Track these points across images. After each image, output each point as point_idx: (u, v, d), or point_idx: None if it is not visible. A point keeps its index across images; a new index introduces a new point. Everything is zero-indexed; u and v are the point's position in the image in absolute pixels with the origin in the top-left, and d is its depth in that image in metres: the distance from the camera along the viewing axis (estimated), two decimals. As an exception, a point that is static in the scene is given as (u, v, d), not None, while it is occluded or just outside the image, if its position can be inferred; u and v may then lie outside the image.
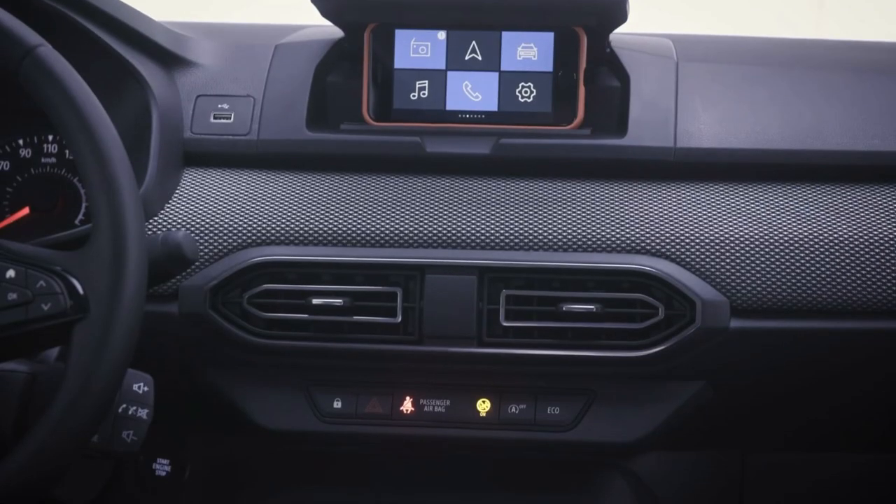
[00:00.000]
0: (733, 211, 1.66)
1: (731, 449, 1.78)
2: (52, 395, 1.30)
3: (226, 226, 1.69)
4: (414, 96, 1.75)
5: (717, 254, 1.64)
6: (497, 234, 1.66)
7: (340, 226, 1.68)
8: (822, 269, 1.63)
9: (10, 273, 1.32)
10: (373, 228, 1.68)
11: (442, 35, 1.73)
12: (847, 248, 1.63)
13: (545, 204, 1.68)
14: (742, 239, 1.64)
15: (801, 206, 1.67)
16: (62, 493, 1.64)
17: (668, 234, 1.65)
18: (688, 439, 1.73)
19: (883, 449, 1.77)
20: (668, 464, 1.76)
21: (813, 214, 1.66)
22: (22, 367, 1.42)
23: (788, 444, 1.77)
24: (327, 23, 1.76)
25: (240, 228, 1.69)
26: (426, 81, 1.74)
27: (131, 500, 1.81)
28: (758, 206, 1.67)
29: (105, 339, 1.29)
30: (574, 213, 1.67)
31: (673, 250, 1.64)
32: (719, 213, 1.66)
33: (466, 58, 1.73)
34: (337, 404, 1.69)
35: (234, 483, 1.80)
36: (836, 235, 1.64)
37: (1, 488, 1.25)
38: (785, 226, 1.65)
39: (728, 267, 1.63)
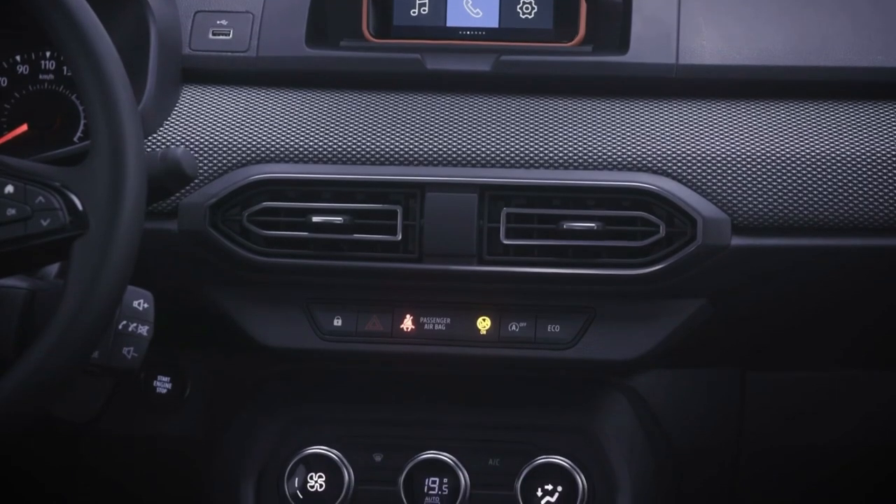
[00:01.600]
0: (735, 128, 1.66)
1: (731, 367, 1.78)
2: (51, 311, 1.30)
3: (225, 143, 1.69)
4: (414, 13, 1.73)
5: (719, 171, 1.63)
6: (498, 152, 1.66)
7: (340, 143, 1.67)
8: (825, 186, 1.62)
9: (9, 188, 1.31)
10: (373, 146, 1.67)
11: (443, -50, 1.72)
12: (850, 166, 1.63)
13: (546, 121, 1.67)
14: (744, 156, 1.64)
15: (804, 123, 1.66)
16: (62, 410, 1.64)
17: (669, 152, 1.64)
18: (688, 357, 1.73)
19: (885, 366, 1.78)
20: (668, 381, 1.76)
21: (816, 131, 1.66)
22: (22, 284, 1.41)
23: (788, 362, 1.78)
24: None
25: (239, 145, 1.68)
26: (426, -3, 1.73)
27: (132, 417, 1.82)
28: (760, 123, 1.66)
29: (105, 254, 1.29)
30: (575, 130, 1.66)
31: (674, 168, 1.63)
32: (721, 130, 1.66)
33: (467, -27, 1.72)
34: (337, 322, 1.69)
35: (234, 401, 1.80)
36: (838, 152, 1.64)
37: (1, 404, 1.25)
38: (787, 143, 1.65)
39: (729, 184, 1.62)
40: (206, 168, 1.68)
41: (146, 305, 1.44)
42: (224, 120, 1.70)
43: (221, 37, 1.74)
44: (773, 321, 1.72)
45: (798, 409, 1.79)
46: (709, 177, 1.63)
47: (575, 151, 1.65)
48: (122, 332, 1.42)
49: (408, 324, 1.69)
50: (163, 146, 1.68)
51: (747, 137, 1.65)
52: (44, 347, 1.27)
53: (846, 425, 1.80)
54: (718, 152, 1.64)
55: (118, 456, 1.90)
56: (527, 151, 1.65)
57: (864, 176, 1.63)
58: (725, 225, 1.61)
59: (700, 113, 1.68)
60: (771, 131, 1.66)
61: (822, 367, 1.78)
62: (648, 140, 1.65)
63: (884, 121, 1.66)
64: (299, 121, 1.70)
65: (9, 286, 1.41)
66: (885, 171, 1.63)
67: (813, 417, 1.79)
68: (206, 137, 1.69)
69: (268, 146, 1.68)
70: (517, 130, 1.67)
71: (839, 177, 1.63)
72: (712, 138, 1.65)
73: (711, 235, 1.60)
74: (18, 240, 1.31)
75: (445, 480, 1.71)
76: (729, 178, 1.63)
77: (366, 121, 1.69)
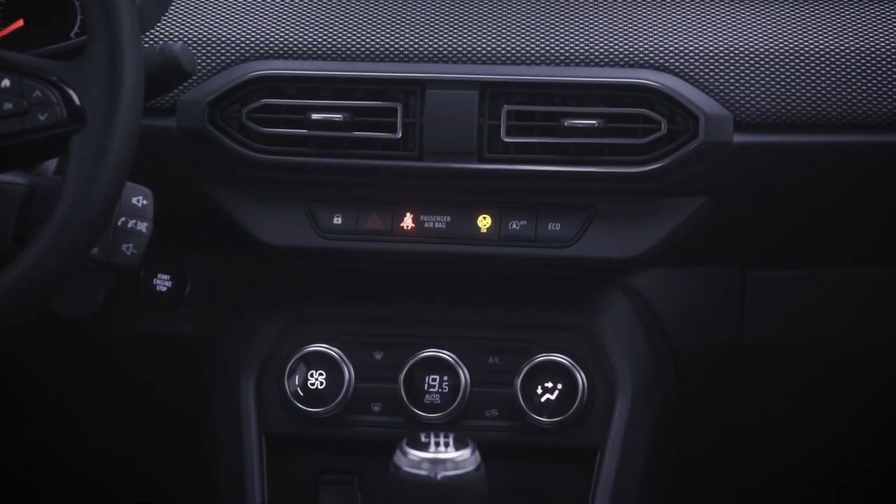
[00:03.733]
0: (739, 24, 1.64)
1: (731, 265, 1.78)
2: (50, 207, 1.29)
3: (224, 39, 1.67)
4: None
5: (722, 67, 1.62)
6: (499, 49, 1.64)
7: (340, 39, 1.66)
8: (828, 82, 1.61)
9: (6, 82, 1.31)
10: (373, 42, 1.66)
11: None
12: (853, 61, 1.62)
13: (548, 17, 1.66)
14: (747, 52, 1.62)
15: (808, 18, 1.65)
16: (62, 307, 1.65)
17: (671, 48, 1.63)
18: (688, 256, 1.73)
19: (886, 263, 1.78)
20: (668, 279, 1.76)
21: (819, 27, 1.64)
22: (20, 180, 1.41)
23: (790, 260, 1.77)
24: None
25: (238, 42, 1.67)
26: None
27: (131, 315, 1.82)
28: (764, 18, 1.65)
29: (103, 149, 1.29)
30: (577, 26, 1.65)
31: (676, 64, 1.62)
32: (724, 26, 1.64)
33: None
34: (337, 220, 1.69)
35: (234, 300, 1.81)
36: (842, 48, 1.62)
37: (0, 299, 1.25)
38: (791, 38, 1.63)
39: (732, 80, 1.61)
40: (204, 64, 1.66)
41: (145, 202, 1.44)
42: (223, 15, 1.69)
43: None
44: (774, 218, 1.71)
45: (799, 307, 1.79)
46: (711, 73, 1.61)
47: (577, 48, 1.64)
48: (121, 228, 1.42)
49: (408, 222, 1.68)
50: (160, 42, 1.66)
51: (750, 33, 1.64)
52: (43, 243, 1.26)
53: (847, 322, 1.81)
54: (721, 48, 1.63)
55: (118, 354, 1.90)
56: (528, 48, 1.64)
57: (868, 72, 1.62)
58: (727, 122, 1.60)
59: (703, 8, 1.67)
60: (774, 27, 1.64)
61: (823, 265, 1.78)
62: (651, 36, 1.64)
63: (887, 16, 1.65)
64: (299, 17, 1.68)
65: (7, 182, 1.40)
66: (888, 66, 1.62)
67: (814, 315, 1.79)
68: (205, 34, 1.68)
69: (267, 42, 1.67)
70: (519, 27, 1.65)
71: (842, 73, 1.62)
72: (715, 34, 1.64)
73: (713, 132, 1.60)
74: (16, 134, 1.31)
75: (445, 378, 1.71)
76: (731, 74, 1.61)
77: (366, 17, 1.68)
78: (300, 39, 1.66)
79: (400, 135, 1.63)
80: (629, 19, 1.65)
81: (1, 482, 2.14)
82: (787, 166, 1.64)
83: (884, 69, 1.61)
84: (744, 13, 1.65)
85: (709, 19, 1.65)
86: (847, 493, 2.08)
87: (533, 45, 1.64)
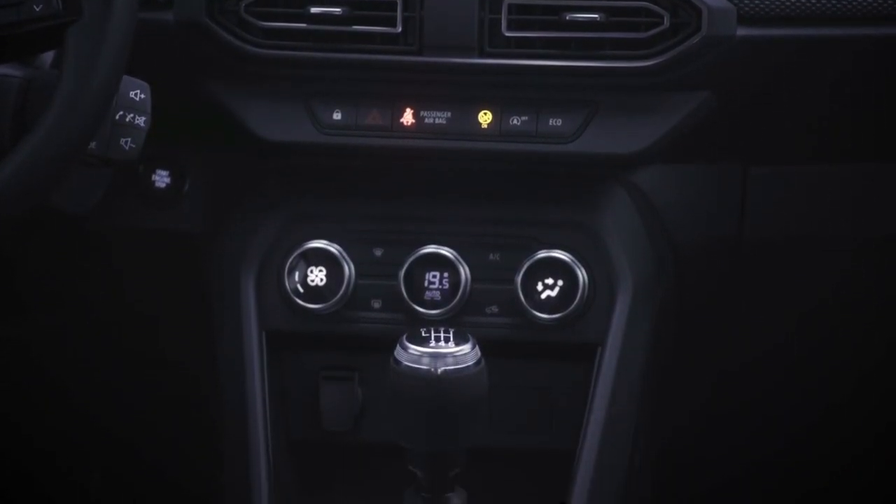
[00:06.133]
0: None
1: (733, 162, 1.77)
2: (47, 99, 1.29)
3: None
4: None
5: (725, -42, 1.60)
6: (500, -59, 1.63)
7: (339, -69, 1.64)
8: (832, -28, 1.60)
9: (0, -27, 1.29)
10: (372, -66, 1.64)
11: None
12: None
13: None
14: (751, -57, 1.61)
15: None
16: (60, 201, 1.64)
17: (675, -62, 1.61)
18: (690, 151, 1.72)
19: (888, 158, 1.77)
20: (670, 175, 1.75)
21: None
22: (16, 73, 1.40)
23: (791, 156, 1.77)
24: None
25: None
26: None
27: (131, 211, 1.82)
28: None
29: (99, 41, 1.28)
30: (579, -82, 1.63)
31: (680, -44, 1.60)
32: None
33: None
34: (336, 115, 1.68)
35: (234, 196, 1.80)
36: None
37: (-1, 192, 1.25)
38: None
39: (736, -29, 1.60)
40: (202, -44, 1.65)
41: (143, 96, 1.43)
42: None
43: None
44: (777, 113, 1.70)
45: (800, 203, 1.79)
46: (714, -36, 1.60)
47: (579, -60, 1.62)
48: (119, 122, 1.41)
49: (408, 117, 1.67)
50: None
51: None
52: (41, 135, 1.26)
53: (848, 218, 1.80)
54: (725, -62, 1.61)
55: (118, 251, 1.90)
56: (530, -60, 1.62)
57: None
58: (731, 14, 1.59)
59: None
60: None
61: (825, 160, 1.77)
62: (654, -73, 1.62)
63: None
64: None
65: (3, 74, 1.39)
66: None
67: (815, 210, 1.79)
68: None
69: (265, -66, 1.65)
70: (520, -82, 1.63)
71: (846, -36, 1.60)
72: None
73: (716, 25, 1.58)
74: (11, 25, 1.30)
75: (446, 275, 1.71)
76: (735, -35, 1.60)
77: None
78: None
79: (400, 29, 1.62)
80: None
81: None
82: (792, 60, 1.62)
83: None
84: None
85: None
86: (843, 391, 2.09)
87: (534, -63, 1.62)
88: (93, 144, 1.39)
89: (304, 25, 1.62)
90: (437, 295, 1.71)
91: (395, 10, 1.62)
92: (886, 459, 2.15)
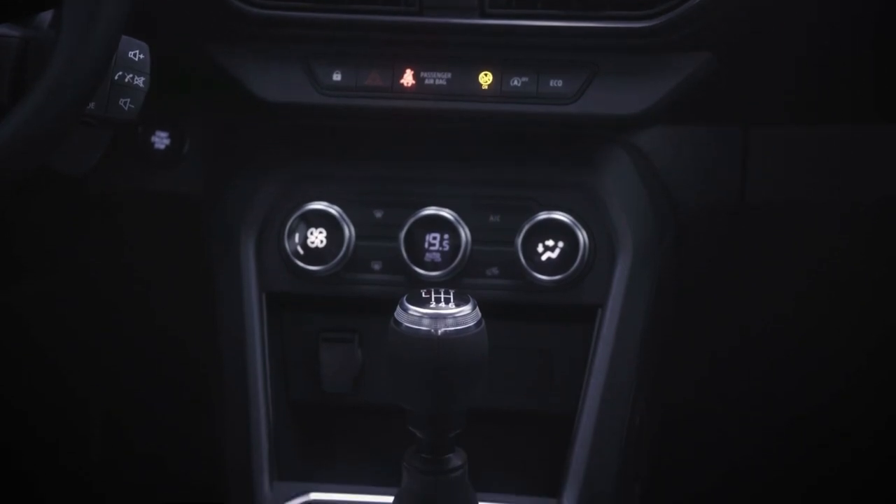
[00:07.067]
0: None
1: (734, 124, 1.76)
2: (46, 59, 1.28)
3: None
4: None
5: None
6: None
7: None
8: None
9: (-4, -69, 1.29)
10: None
11: None
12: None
13: None
14: None
15: None
16: (59, 162, 1.63)
17: None
18: (691, 113, 1.71)
19: (888, 120, 1.77)
20: (671, 137, 1.74)
21: None
22: (14, 32, 1.39)
23: (791, 117, 1.76)
24: None
25: None
26: None
27: (131, 173, 1.81)
28: None
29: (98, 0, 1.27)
30: None
31: (682, -85, 1.60)
32: None
33: None
34: (336, 76, 1.67)
35: (233, 158, 1.79)
36: None
37: (-2, 151, 1.24)
38: None
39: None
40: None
41: (142, 56, 1.42)
42: None
43: None
44: (778, 74, 1.70)
45: (800, 165, 1.78)
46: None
47: None
48: (118, 82, 1.40)
49: (408, 79, 1.67)
50: None
51: None
52: (39, 95, 1.25)
53: (849, 180, 1.80)
54: None
55: (116, 212, 1.90)
56: None
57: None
58: None
59: None
60: None
61: (825, 121, 1.77)
62: None
63: None
64: None
65: (1, 34, 1.38)
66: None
67: (816, 172, 1.79)
68: None
69: None
70: None
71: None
72: None
73: None
74: None
75: (446, 236, 1.71)
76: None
77: None
78: None
79: (400, -11, 1.62)
80: None
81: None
82: (794, 19, 1.62)
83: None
84: None
85: None
86: (841, 350, 2.09)
87: None
88: (91, 105, 1.38)
89: (304, -14, 1.62)
90: (438, 256, 1.71)
91: (396, -30, 1.61)
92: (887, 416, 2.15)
